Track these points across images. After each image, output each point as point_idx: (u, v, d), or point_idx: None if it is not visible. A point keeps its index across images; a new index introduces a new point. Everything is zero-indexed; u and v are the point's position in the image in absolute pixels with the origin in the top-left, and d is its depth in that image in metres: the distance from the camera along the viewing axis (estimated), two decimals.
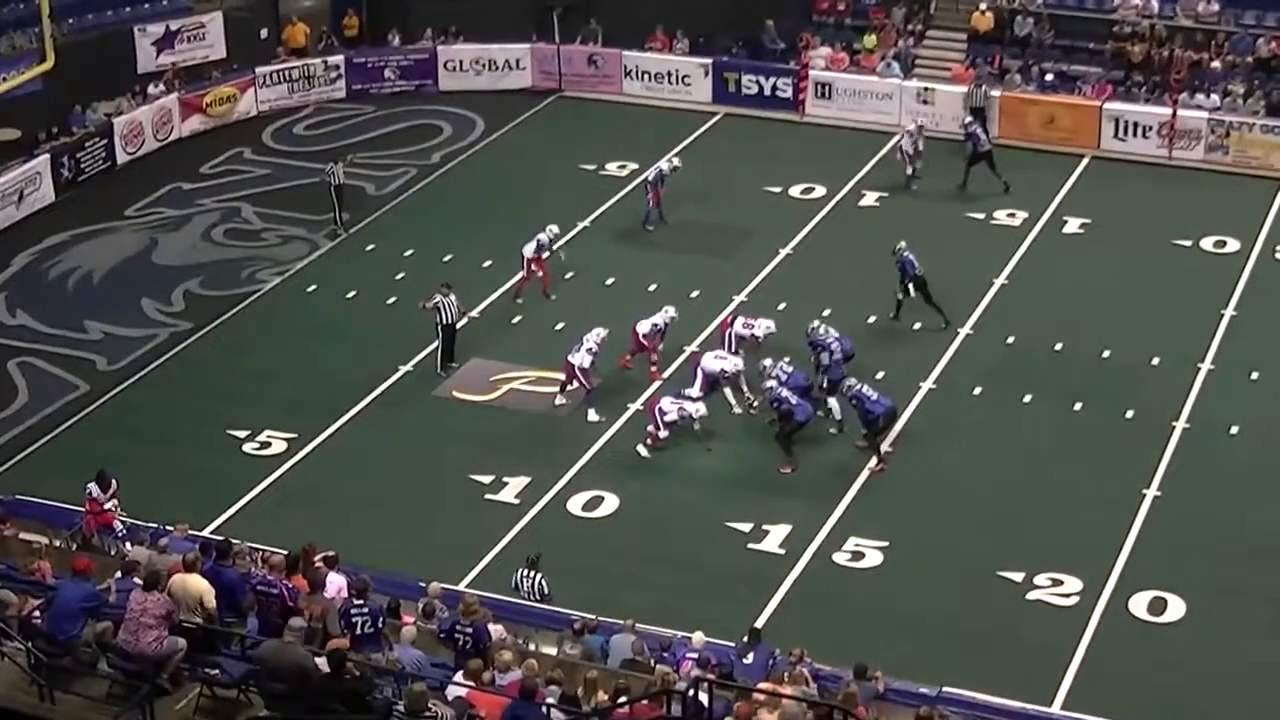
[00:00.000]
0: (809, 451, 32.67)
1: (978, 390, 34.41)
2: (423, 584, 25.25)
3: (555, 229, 38.71)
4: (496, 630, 24.70)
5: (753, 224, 41.65)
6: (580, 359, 34.03)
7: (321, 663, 19.02)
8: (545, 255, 38.19)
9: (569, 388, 34.44)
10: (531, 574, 27.36)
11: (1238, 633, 27.76)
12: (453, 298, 35.34)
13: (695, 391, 33.68)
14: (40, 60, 39.94)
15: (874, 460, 32.01)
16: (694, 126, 47.50)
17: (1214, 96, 45.72)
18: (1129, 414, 33.65)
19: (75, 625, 19.81)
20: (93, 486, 28.91)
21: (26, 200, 42.84)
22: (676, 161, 42.03)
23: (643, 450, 32.64)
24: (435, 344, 35.53)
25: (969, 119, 44.23)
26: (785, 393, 32.43)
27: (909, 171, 43.35)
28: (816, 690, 22.94)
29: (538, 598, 27.15)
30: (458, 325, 35.59)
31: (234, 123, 48.21)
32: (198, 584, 20.57)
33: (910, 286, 35.88)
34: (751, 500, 31.32)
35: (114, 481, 29.08)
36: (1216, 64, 46.64)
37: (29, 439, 33.81)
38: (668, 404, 32.74)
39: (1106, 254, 39.26)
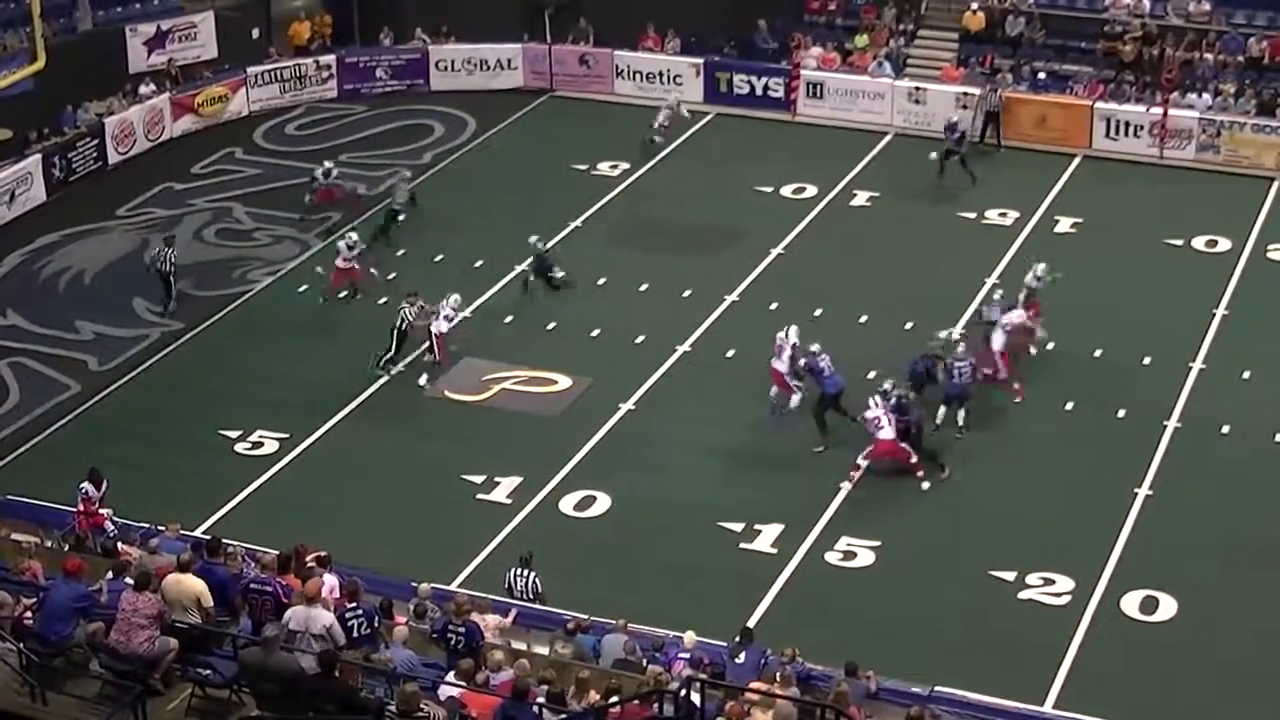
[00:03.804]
0: (801, 453, 32.67)
1: None
2: (415, 584, 25.25)
3: (354, 236, 38.63)
4: (495, 620, 24.72)
5: (744, 224, 41.64)
6: (439, 326, 35.00)
7: (308, 663, 18.98)
8: (350, 258, 38.16)
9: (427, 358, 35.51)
10: (525, 573, 27.35)
11: (1229, 632, 27.75)
12: (413, 307, 35.44)
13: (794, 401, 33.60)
14: (32, 60, 39.92)
15: (943, 472, 31.90)
16: (686, 126, 47.48)
17: (1205, 96, 45.75)
18: (1121, 413, 33.66)
19: (67, 625, 19.76)
20: (87, 486, 28.85)
21: (18, 200, 42.82)
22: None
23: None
24: (424, 344, 35.55)
25: (954, 119, 44.33)
26: (823, 363, 32.67)
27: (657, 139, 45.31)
28: (797, 692, 22.88)
29: (531, 597, 27.15)
30: (400, 329, 35.40)
31: (225, 122, 48.20)
32: (193, 584, 20.53)
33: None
34: (743, 500, 31.30)
35: (104, 481, 29.07)
36: (1209, 59, 46.68)
37: (20, 439, 33.80)
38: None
39: (1098, 253, 39.28)
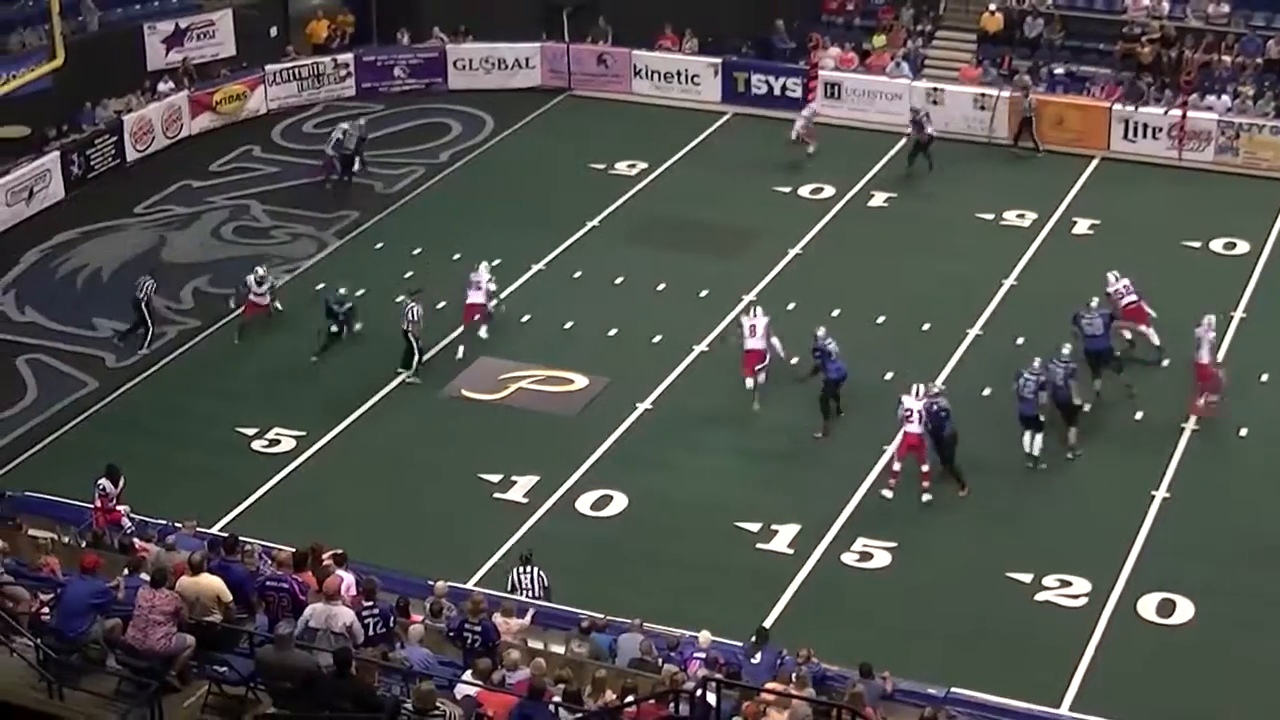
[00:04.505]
0: (818, 453, 32.68)
1: (987, 391, 34.30)
2: (431, 582, 25.26)
3: (261, 270, 37.89)
4: (518, 623, 24.71)
5: (762, 224, 41.63)
6: (474, 296, 36.02)
7: (324, 661, 18.98)
8: (261, 292, 37.44)
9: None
10: (530, 569, 27.37)
11: (1246, 635, 27.71)
12: (411, 304, 35.48)
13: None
14: (50, 58, 39.97)
15: (962, 490, 31.64)
16: (703, 126, 47.52)
17: (1224, 98, 45.67)
18: (1138, 415, 33.61)
19: (84, 622, 19.78)
20: (104, 482, 28.89)
21: (36, 197, 42.89)
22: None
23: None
24: (444, 342, 35.60)
25: (918, 108, 44.97)
26: (830, 346, 32.95)
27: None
28: (813, 693, 22.87)
29: (540, 592, 27.16)
30: (407, 331, 35.34)
31: (243, 120, 48.25)
32: (210, 581, 20.57)
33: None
34: (760, 500, 31.29)
35: (122, 478, 29.11)
36: (1228, 61, 46.60)
37: (38, 435, 33.86)
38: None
39: (1116, 255, 39.15)
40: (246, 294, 37.55)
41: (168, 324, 37.75)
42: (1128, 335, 35.19)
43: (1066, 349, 32.84)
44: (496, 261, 38.61)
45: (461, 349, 36.24)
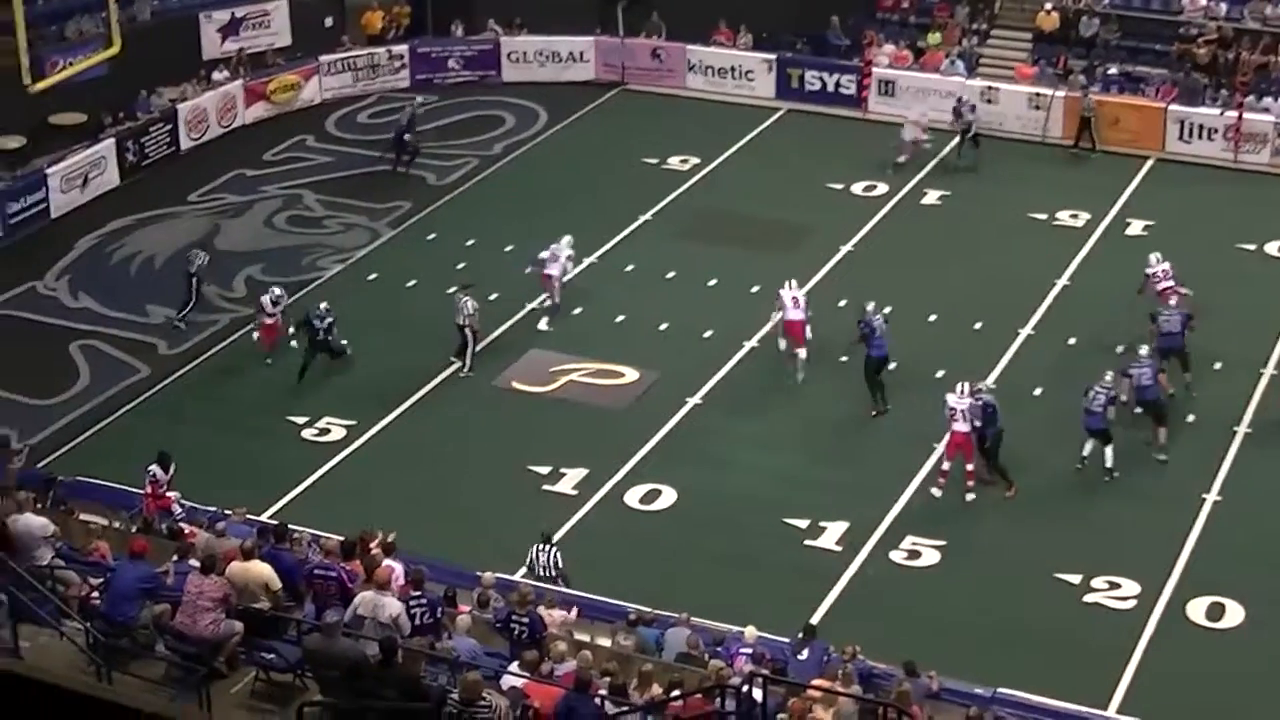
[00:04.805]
0: (868, 451, 32.63)
1: (1038, 391, 34.22)
2: (479, 574, 25.30)
3: (278, 290, 36.33)
4: (560, 615, 24.71)
5: (814, 220, 41.56)
6: (555, 269, 36.92)
7: (371, 650, 19.04)
8: (274, 313, 35.97)
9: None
10: (547, 548, 27.47)
11: None
12: (466, 299, 35.49)
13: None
14: (106, 45, 40.06)
15: (1010, 490, 31.53)
16: (756, 122, 47.46)
17: None
18: (1190, 418, 33.44)
19: (133, 606, 19.86)
20: (155, 469, 29.07)
21: (91, 184, 43.10)
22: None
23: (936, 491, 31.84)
24: (496, 333, 35.74)
25: (964, 100, 45.28)
26: (877, 321, 33.40)
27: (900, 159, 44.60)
28: (859, 690, 22.84)
29: (554, 573, 27.22)
30: (463, 326, 35.34)
31: (297, 110, 48.38)
32: (261, 569, 20.64)
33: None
34: (809, 497, 31.25)
35: (173, 464, 29.26)
36: None
37: (90, 421, 34.03)
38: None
39: (1169, 257, 38.83)
40: (261, 316, 36.00)
41: (220, 312, 37.89)
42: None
43: (1144, 349, 32.85)
44: (546, 254, 38.63)
45: (545, 320, 37.11)
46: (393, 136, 45.05)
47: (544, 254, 37.41)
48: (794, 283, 35.34)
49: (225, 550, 21.86)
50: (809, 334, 34.55)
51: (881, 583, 29.16)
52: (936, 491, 31.32)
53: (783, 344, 35.01)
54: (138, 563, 20.42)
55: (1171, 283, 35.13)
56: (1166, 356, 33.54)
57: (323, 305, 35.44)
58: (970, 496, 31.21)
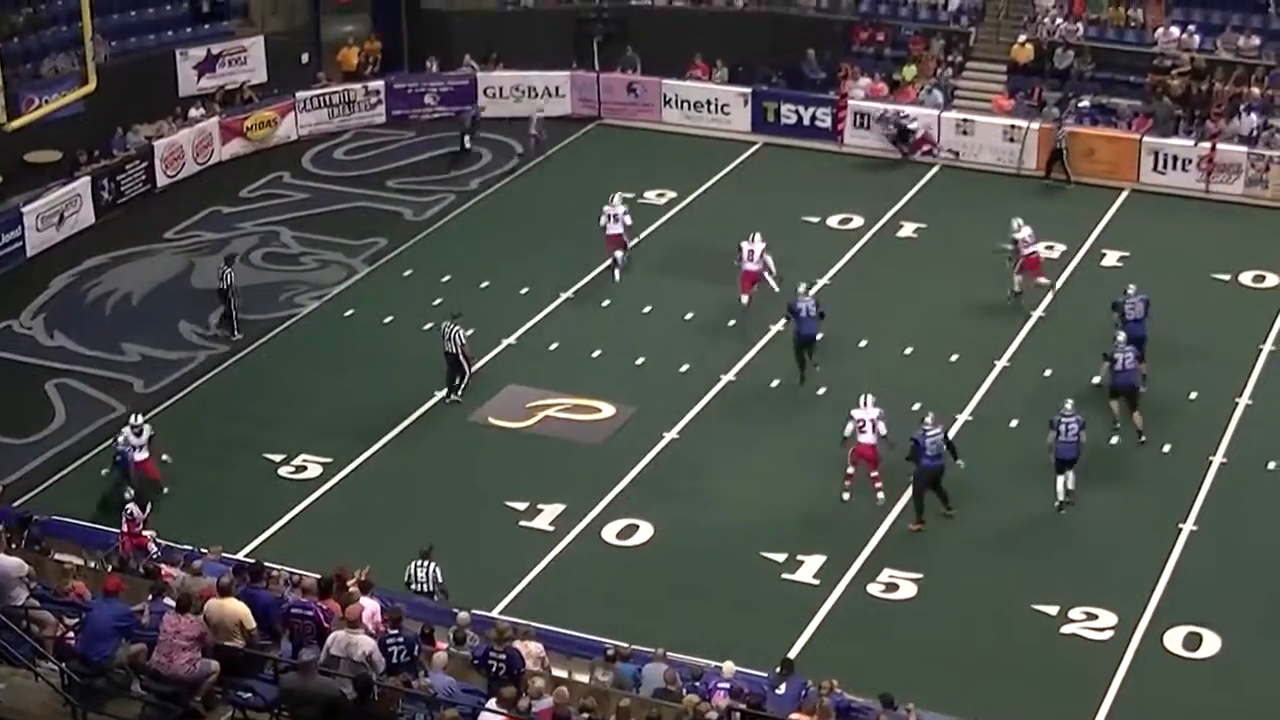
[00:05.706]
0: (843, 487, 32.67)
1: (1014, 423, 34.31)
2: (455, 611, 25.27)
3: (139, 419, 32.79)
4: (536, 647, 24.66)
5: (790, 254, 41.52)
6: (615, 228, 40.02)
7: (347, 688, 19.01)
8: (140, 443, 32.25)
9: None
10: (426, 564, 27.51)
11: (1273, 669, 27.58)
12: (456, 328, 35.44)
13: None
14: (82, 83, 40.10)
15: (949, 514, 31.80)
16: (733, 155, 47.56)
17: (1251, 116, 45.52)
18: (1166, 448, 33.52)
19: (108, 646, 19.81)
20: (132, 507, 29.05)
21: (66, 222, 43.03)
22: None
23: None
24: (476, 366, 35.79)
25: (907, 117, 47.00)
26: (802, 305, 35.31)
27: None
28: None
29: (432, 589, 27.25)
30: (455, 354, 35.41)
31: (274, 147, 48.39)
32: (236, 607, 20.59)
33: None
34: (786, 530, 31.26)
35: (149, 503, 29.19)
36: (1257, 93, 46.48)
37: (66, 460, 33.93)
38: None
39: (1145, 287, 39.09)
40: (129, 451, 32.17)
41: (195, 349, 37.85)
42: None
43: (1121, 336, 33.89)
44: (524, 290, 38.67)
45: (617, 273, 40.36)
46: (458, 137, 47.85)
47: (602, 220, 40.17)
48: (757, 235, 38.20)
49: (201, 588, 21.80)
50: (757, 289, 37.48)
51: (859, 615, 29.17)
52: (846, 495, 32.00)
53: (744, 299, 37.73)
54: (113, 601, 20.40)
55: (1037, 247, 38.06)
56: (1138, 347, 34.37)
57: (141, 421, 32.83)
58: (880, 498, 31.88)
